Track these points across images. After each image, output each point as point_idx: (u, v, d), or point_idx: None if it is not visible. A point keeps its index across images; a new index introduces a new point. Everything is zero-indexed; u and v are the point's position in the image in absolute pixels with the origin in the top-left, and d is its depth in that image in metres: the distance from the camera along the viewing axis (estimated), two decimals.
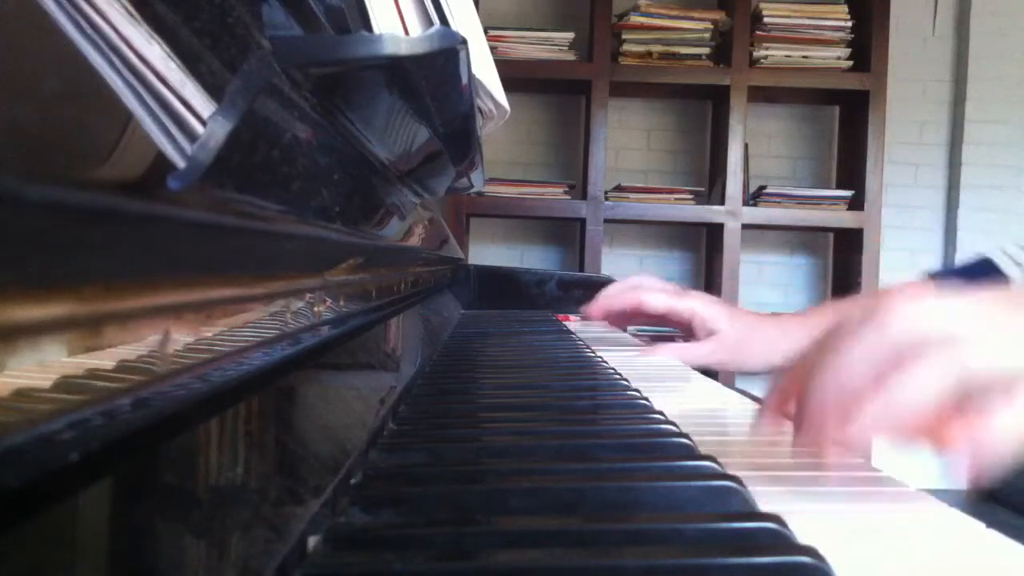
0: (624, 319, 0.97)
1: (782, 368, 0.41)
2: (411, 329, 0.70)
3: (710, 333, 0.88)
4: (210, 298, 0.22)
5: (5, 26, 0.14)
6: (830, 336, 0.38)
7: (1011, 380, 0.34)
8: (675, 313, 0.91)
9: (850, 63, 2.72)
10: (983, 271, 0.81)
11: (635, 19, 2.69)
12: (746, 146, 2.76)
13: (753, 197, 2.78)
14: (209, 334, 0.21)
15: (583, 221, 2.72)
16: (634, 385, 0.57)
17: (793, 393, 0.39)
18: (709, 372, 0.85)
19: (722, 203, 2.71)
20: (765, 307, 2.87)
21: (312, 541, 0.26)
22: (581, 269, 2.70)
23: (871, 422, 0.34)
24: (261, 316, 0.26)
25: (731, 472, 0.33)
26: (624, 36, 2.70)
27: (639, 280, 0.95)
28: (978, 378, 0.34)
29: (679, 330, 0.92)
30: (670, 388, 0.68)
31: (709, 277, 2.86)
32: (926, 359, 0.34)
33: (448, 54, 0.41)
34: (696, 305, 0.90)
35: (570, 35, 2.70)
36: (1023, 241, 0.81)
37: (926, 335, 0.35)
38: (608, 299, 0.94)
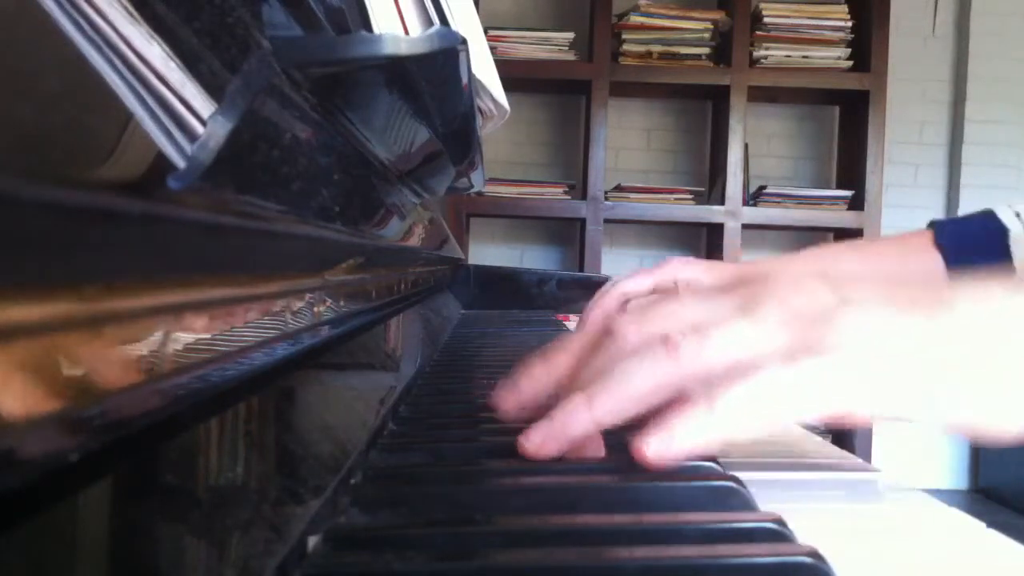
0: None
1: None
2: (411, 329, 0.70)
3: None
4: (210, 298, 0.22)
5: (5, 26, 0.14)
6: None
7: (724, 375, 0.34)
8: (662, 286, 0.90)
9: (850, 63, 2.72)
10: (984, 222, 0.80)
11: (635, 19, 2.69)
12: (746, 146, 2.76)
13: (753, 197, 2.78)
14: (209, 334, 0.21)
15: (583, 221, 2.72)
16: None
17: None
18: None
19: (722, 203, 2.71)
20: None
21: (312, 541, 0.26)
22: (581, 269, 2.70)
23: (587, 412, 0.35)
24: (261, 316, 0.26)
25: (730, 472, 0.33)
26: (624, 36, 2.70)
27: (612, 281, 0.95)
28: (690, 377, 0.34)
29: None
30: None
31: None
32: (644, 359, 0.35)
33: (448, 54, 0.41)
34: (676, 270, 0.89)
35: (570, 35, 2.70)
36: None
37: (651, 337, 0.36)
38: (596, 305, 0.93)
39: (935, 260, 0.80)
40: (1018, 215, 0.78)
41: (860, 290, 0.35)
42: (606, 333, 0.38)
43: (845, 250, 0.87)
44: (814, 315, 0.34)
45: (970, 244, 0.80)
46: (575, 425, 0.35)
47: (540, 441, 0.35)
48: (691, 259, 0.92)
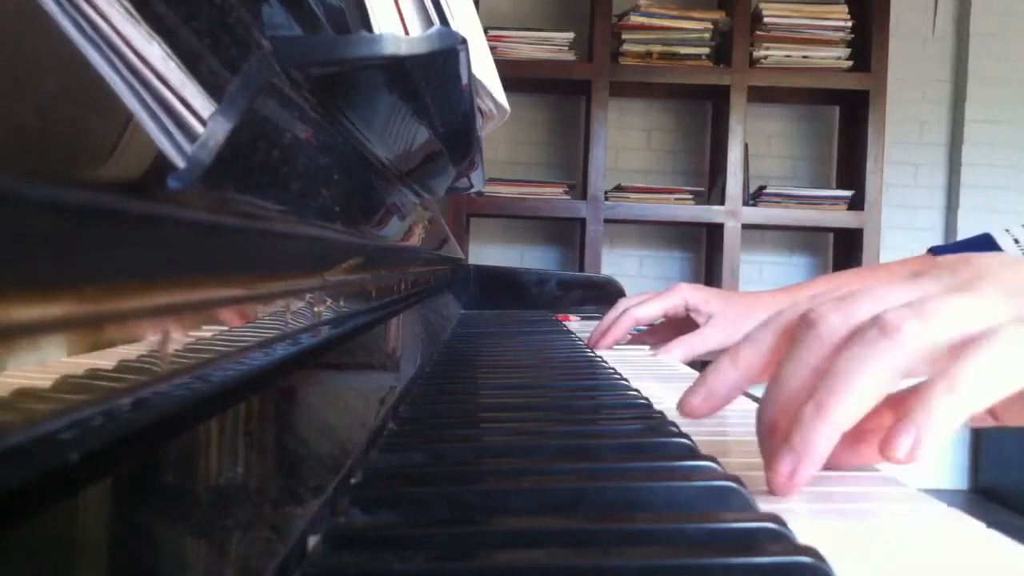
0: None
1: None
2: (411, 329, 0.70)
3: (708, 316, 0.88)
4: (210, 298, 0.22)
5: (5, 26, 0.14)
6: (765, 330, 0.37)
7: (951, 349, 0.32)
8: (672, 310, 0.91)
9: (850, 63, 2.72)
10: (982, 247, 0.81)
11: (635, 19, 2.69)
12: (746, 146, 2.76)
13: (753, 197, 2.78)
14: (209, 334, 0.21)
15: (583, 221, 2.72)
16: (634, 384, 0.57)
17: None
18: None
19: (722, 203, 2.71)
20: None
21: (312, 541, 0.26)
22: (581, 269, 2.70)
23: (823, 422, 0.32)
24: (261, 316, 0.26)
25: (731, 472, 0.33)
26: (624, 36, 2.70)
27: (622, 303, 0.95)
28: (917, 359, 0.32)
29: (679, 327, 0.92)
30: (669, 387, 0.68)
31: (709, 277, 2.86)
32: (864, 349, 0.32)
33: (448, 54, 0.41)
34: (685, 294, 0.90)
35: (570, 35, 2.70)
36: None
37: (859, 324, 0.33)
38: (607, 334, 0.93)
39: None
40: (1016, 241, 0.78)
41: None
42: (803, 323, 0.35)
43: (848, 278, 0.88)
44: None
45: None
46: (819, 443, 0.32)
47: (789, 471, 0.33)
48: (700, 285, 0.93)
